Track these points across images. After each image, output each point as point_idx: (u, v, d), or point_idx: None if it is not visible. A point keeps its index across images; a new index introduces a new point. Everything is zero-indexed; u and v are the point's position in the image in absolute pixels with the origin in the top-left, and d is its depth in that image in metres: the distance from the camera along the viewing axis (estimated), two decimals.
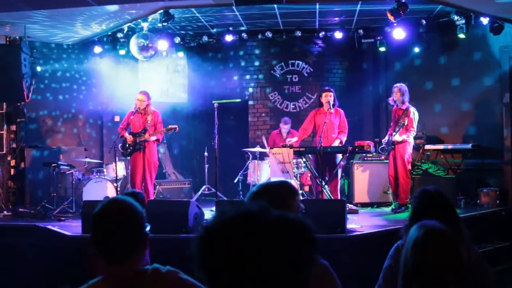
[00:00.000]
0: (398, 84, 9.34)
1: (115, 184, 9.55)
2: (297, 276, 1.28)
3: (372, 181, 10.15)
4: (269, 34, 11.64)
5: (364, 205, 10.01)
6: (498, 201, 9.38)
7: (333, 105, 9.32)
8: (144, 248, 2.36)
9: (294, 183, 9.34)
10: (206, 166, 11.16)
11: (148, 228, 2.42)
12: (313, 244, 1.32)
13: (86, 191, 9.52)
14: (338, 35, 11.39)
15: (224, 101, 11.29)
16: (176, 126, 9.29)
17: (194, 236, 1.35)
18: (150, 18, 10.18)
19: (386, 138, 9.30)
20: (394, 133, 9.12)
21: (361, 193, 10.19)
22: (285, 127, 10.98)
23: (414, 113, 9.14)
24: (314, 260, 1.32)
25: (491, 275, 3.22)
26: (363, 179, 10.22)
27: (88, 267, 2.28)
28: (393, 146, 9.15)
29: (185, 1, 9.14)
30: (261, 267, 1.24)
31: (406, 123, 9.04)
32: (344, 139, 9.35)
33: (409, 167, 9.22)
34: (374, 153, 9.87)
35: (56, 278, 6.85)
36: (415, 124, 9.11)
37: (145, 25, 10.65)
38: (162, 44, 11.24)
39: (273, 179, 8.71)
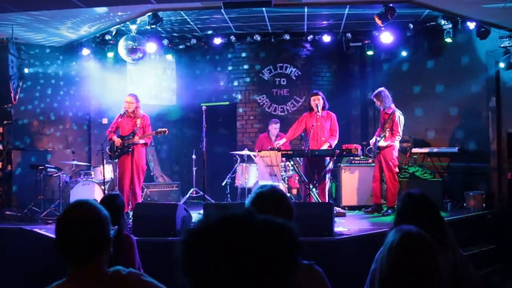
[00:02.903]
0: (375, 92, 9.44)
1: (102, 187, 9.52)
2: (281, 279, 1.29)
3: (359, 184, 10.18)
4: (257, 37, 11.66)
5: (351, 208, 10.03)
6: (484, 205, 9.47)
7: (323, 108, 9.34)
8: (108, 251, 2.37)
9: (282, 186, 9.37)
10: (194, 169, 11.14)
11: (112, 232, 2.43)
12: (297, 248, 1.33)
13: (74, 194, 9.46)
14: (326, 38, 11.43)
15: (212, 104, 11.29)
16: (166, 129, 9.27)
17: (178, 240, 1.36)
18: (138, 20, 10.16)
19: (374, 139, 9.35)
20: (378, 139, 9.19)
21: (348, 196, 10.21)
22: (274, 127, 10.95)
23: (399, 117, 9.22)
24: (299, 264, 1.33)
25: (477, 278, 3.24)
26: (351, 182, 10.25)
27: None
28: (378, 150, 9.22)
29: (173, 4, 9.12)
30: (245, 271, 1.25)
31: (387, 134, 9.12)
32: (334, 143, 9.36)
33: (396, 170, 9.29)
34: (362, 157, 9.91)
35: (43, 281, 6.81)
36: (400, 129, 9.19)
37: (133, 27, 10.62)
38: (151, 47, 11.24)
39: (261, 183, 8.73)
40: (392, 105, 9.35)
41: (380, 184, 9.44)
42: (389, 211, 9.15)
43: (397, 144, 9.27)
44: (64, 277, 2.37)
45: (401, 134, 9.25)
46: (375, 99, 9.42)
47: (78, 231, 2.29)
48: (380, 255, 2.28)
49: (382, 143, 9.13)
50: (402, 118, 9.27)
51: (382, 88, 9.47)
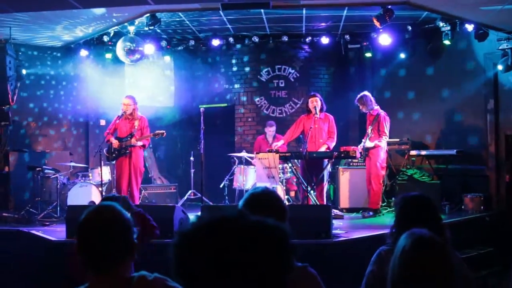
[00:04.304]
0: (358, 97, 9.47)
1: (100, 189, 9.49)
2: (274, 281, 1.27)
3: (357, 187, 10.14)
4: (256, 39, 11.66)
5: (349, 210, 10.02)
6: (482, 207, 9.45)
7: (321, 110, 9.33)
8: (132, 256, 2.33)
9: (280, 188, 9.35)
10: (192, 171, 11.13)
11: (135, 236, 2.38)
12: (289, 249, 1.32)
13: (71, 195, 9.43)
14: (325, 40, 11.42)
15: (210, 105, 11.29)
16: (164, 131, 9.27)
17: (170, 242, 1.34)
18: (136, 21, 10.16)
19: (362, 143, 9.33)
20: (364, 140, 9.19)
21: (346, 198, 10.20)
22: (270, 130, 10.96)
23: (385, 117, 9.23)
24: (292, 266, 1.32)
25: (472, 281, 3.23)
26: (349, 184, 10.23)
27: (70, 273, 2.26)
28: (367, 152, 9.21)
29: (172, 5, 9.12)
30: (237, 272, 1.24)
31: (370, 132, 9.12)
32: (332, 144, 9.35)
33: (383, 172, 9.28)
34: (360, 159, 9.89)
35: (40, 283, 6.79)
36: (386, 129, 9.18)
37: (131, 28, 10.61)
38: (149, 48, 11.21)
39: (259, 185, 8.71)
40: (376, 107, 9.36)
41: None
42: (371, 212, 9.17)
43: (384, 145, 9.26)
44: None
45: (388, 134, 9.25)
46: (358, 104, 9.46)
47: (101, 234, 2.24)
48: (392, 259, 2.26)
49: (368, 143, 9.14)
50: (387, 118, 9.28)
51: (364, 92, 9.51)
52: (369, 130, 9.21)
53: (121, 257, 2.27)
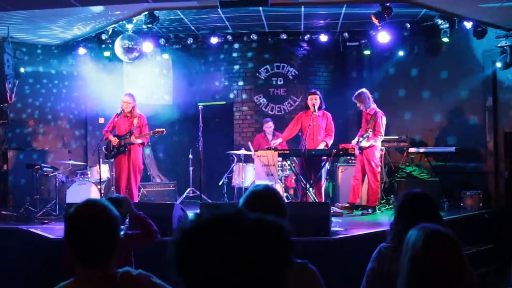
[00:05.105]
0: (356, 93, 9.38)
1: (99, 187, 9.49)
2: (274, 278, 1.27)
3: None
4: (254, 37, 11.66)
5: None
6: (481, 204, 9.47)
7: (320, 108, 9.32)
8: (117, 252, 2.37)
9: (279, 186, 9.34)
10: (191, 168, 11.13)
11: (122, 232, 2.44)
12: (289, 246, 1.32)
13: (70, 193, 9.42)
14: (323, 38, 11.41)
15: (209, 103, 11.28)
16: (163, 129, 9.27)
17: (170, 239, 1.34)
18: (135, 19, 10.13)
19: (356, 139, 9.27)
20: (361, 139, 9.13)
21: (345, 196, 10.17)
22: (268, 126, 10.96)
23: (382, 117, 9.18)
24: (291, 262, 1.32)
25: (474, 277, 3.24)
26: (348, 182, 10.21)
27: (63, 270, 2.28)
28: (361, 151, 9.18)
29: (170, 3, 9.11)
30: (238, 269, 1.24)
31: (370, 134, 9.06)
32: (330, 142, 9.34)
33: (378, 170, 9.26)
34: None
35: (39, 281, 6.78)
36: (382, 129, 9.15)
37: (130, 26, 10.60)
38: (147, 46, 11.20)
39: (258, 182, 8.71)
40: (374, 105, 9.31)
41: (361, 184, 9.39)
42: (370, 210, 9.15)
43: (379, 144, 9.23)
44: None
45: (383, 134, 9.23)
46: (356, 100, 9.38)
47: (88, 228, 2.30)
48: (409, 254, 2.24)
49: (364, 143, 9.09)
50: (384, 118, 9.23)
51: (363, 89, 9.43)
52: (368, 130, 9.15)
53: (106, 251, 2.33)
